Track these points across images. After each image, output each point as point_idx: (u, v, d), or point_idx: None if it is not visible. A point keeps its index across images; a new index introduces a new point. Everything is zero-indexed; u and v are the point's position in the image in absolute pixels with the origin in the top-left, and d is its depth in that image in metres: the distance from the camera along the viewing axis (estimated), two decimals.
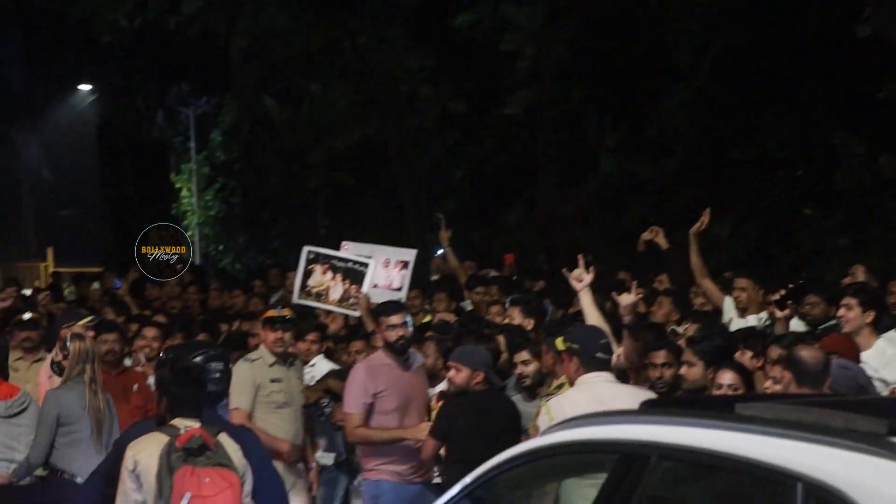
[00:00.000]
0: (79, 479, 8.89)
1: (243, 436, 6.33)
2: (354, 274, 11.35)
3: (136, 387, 10.15)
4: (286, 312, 9.61)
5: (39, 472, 9.23)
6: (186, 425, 6.00)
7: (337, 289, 11.34)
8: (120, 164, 33.75)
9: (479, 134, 23.68)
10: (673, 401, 5.17)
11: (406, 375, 9.21)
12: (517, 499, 4.74)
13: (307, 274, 11.33)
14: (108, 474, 6.20)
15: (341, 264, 11.38)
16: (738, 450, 3.67)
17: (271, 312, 9.65)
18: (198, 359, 6.11)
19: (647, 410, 4.53)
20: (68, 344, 9.22)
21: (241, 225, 35.10)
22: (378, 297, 10.64)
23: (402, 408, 9.09)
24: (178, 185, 36.85)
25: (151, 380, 10.36)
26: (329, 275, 11.37)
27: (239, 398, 9.31)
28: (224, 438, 6.06)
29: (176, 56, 32.37)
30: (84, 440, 9.02)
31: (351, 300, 11.29)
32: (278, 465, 9.19)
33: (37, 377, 10.36)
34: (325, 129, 23.97)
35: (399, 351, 9.15)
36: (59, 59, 37.22)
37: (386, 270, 11.57)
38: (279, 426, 9.36)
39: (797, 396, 5.27)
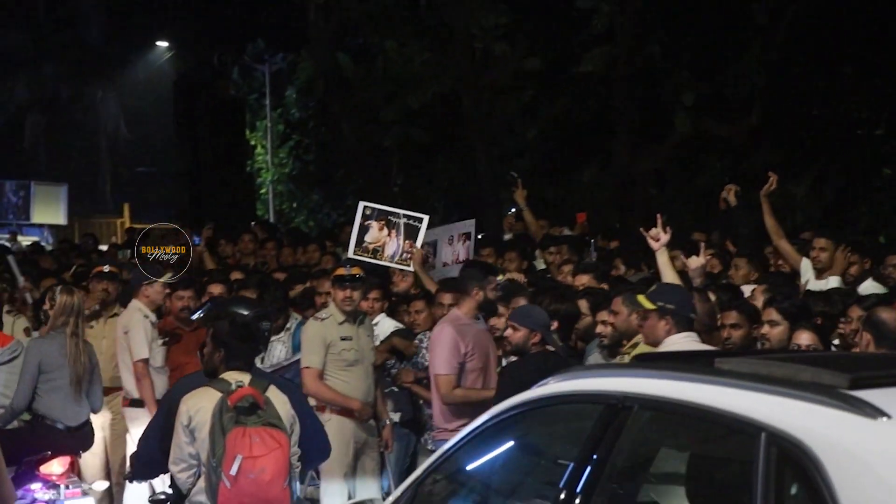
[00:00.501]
0: (59, 425, 9.41)
1: (287, 385, 6.54)
2: (410, 229, 11.38)
3: None
4: (355, 271, 9.59)
5: (25, 416, 9.59)
6: (238, 380, 6.19)
7: (391, 245, 11.37)
8: (196, 120, 33.89)
9: (554, 92, 23.56)
10: (658, 356, 5.62)
11: (484, 334, 9.31)
12: (513, 446, 5.13)
13: (363, 230, 11.34)
14: (163, 429, 6.36)
15: (396, 220, 11.40)
16: (711, 401, 3.94)
17: (340, 271, 9.60)
18: (251, 315, 6.33)
19: (634, 364, 4.97)
20: (57, 296, 9.59)
21: (314, 182, 35.21)
22: (449, 274, 10.72)
23: (484, 367, 9.15)
24: (252, 143, 37.04)
25: None
26: (385, 231, 11.40)
27: (310, 357, 9.38)
28: (273, 392, 6.23)
29: (252, 12, 32.51)
30: (63, 388, 9.44)
31: (405, 255, 11.32)
32: (350, 423, 9.31)
33: (113, 332, 10.53)
34: (400, 86, 23.93)
35: (493, 311, 9.25)
36: (136, 15, 37.52)
37: (451, 247, 11.63)
38: (350, 384, 9.42)
39: (776, 352, 5.55)
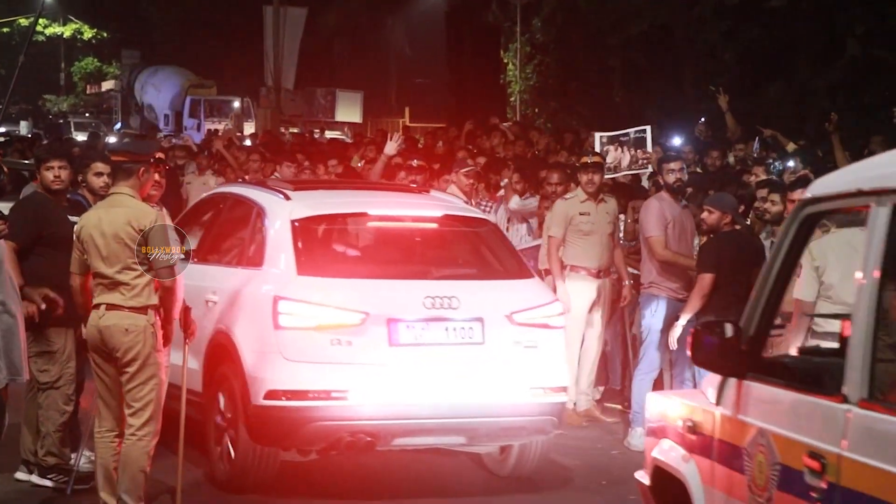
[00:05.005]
0: None
1: None
2: (638, 141, 11.62)
3: None
4: (596, 159, 9.84)
5: None
6: None
7: (625, 157, 11.63)
8: (462, 42, 34.43)
9: (748, 23, 23.26)
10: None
11: (685, 212, 9.28)
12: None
13: (604, 155, 11.38)
14: None
15: (625, 138, 11.69)
16: (244, 193, 8.25)
17: (584, 159, 9.80)
18: None
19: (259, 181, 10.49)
20: None
21: (553, 93, 35.31)
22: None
23: (682, 239, 9.21)
24: (505, 61, 37.32)
25: None
26: (619, 150, 11.68)
27: (555, 229, 9.72)
28: None
29: None
30: None
31: (641, 161, 11.58)
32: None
33: None
34: (624, 16, 24.02)
35: (677, 192, 9.25)
36: None
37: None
38: (587, 250, 9.58)
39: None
